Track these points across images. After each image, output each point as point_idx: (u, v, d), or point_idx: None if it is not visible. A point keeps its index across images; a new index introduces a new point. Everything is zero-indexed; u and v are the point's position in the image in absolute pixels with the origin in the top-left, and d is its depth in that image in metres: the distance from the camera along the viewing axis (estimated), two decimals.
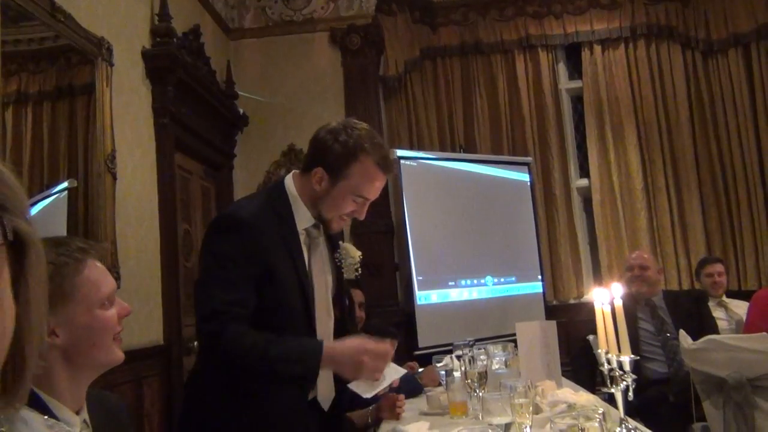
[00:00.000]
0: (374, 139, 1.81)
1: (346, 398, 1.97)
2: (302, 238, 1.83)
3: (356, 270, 1.94)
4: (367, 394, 1.81)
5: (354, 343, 1.72)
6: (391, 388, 2.63)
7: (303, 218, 1.81)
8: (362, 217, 1.86)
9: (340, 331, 1.92)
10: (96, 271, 1.22)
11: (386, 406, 2.41)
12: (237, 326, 1.65)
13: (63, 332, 1.15)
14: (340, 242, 1.95)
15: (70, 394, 1.17)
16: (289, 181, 1.84)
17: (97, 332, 1.19)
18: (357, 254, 1.95)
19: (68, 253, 1.18)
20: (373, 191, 1.82)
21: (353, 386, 1.80)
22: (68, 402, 1.16)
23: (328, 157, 1.78)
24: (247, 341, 1.65)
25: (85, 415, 1.20)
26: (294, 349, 1.69)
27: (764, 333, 2.70)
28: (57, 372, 1.15)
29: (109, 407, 1.33)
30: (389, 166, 1.84)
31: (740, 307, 4.12)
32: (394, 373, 1.85)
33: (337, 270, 1.93)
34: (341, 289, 1.94)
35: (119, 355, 1.24)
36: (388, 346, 1.74)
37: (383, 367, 1.73)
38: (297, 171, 1.87)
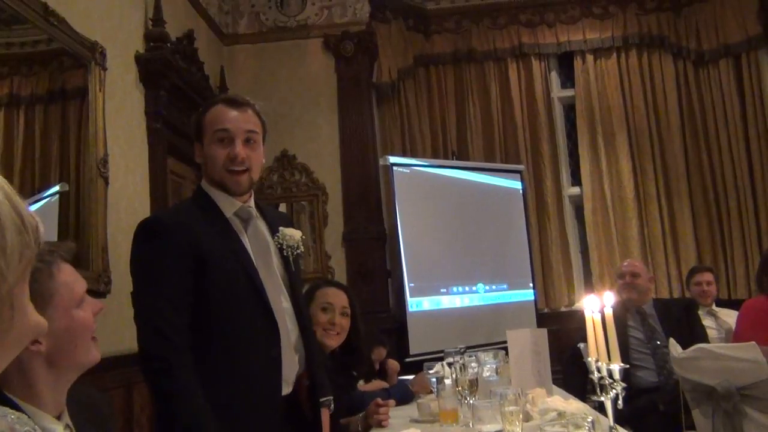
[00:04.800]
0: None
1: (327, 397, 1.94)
2: (236, 224, 1.85)
3: (298, 249, 1.93)
4: None
5: None
6: (382, 395, 2.63)
7: (227, 205, 1.85)
8: (240, 153, 1.81)
9: (301, 321, 1.90)
10: (67, 272, 1.20)
11: (373, 412, 2.39)
12: (180, 364, 1.63)
13: (46, 339, 1.13)
14: (280, 228, 1.95)
15: (52, 399, 1.16)
16: (203, 181, 1.92)
17: (78, 333, 1.19)
18: (298, 234, 1.95)
19: (40, 257, 1.16)
20: (226, 121, 1.86)
21: None
22: (50, 408, 1.15)
23: (192, 132, 1.94)
24: (182, 399, 1.61)
25: (66, 419, 1.20)
26: None
27: (753, 342, 2.71)
28: (40, 379, 1.14)
29: (87, 402, 1.32)
30: (237, 101, 1.92)
31: (730, 316, 4.12)
32: None
33: (282, 254, 1.93)
34: (290, 272, 1.93)
35: (96, 355, 1.24)
36: None
37: None
38: None
